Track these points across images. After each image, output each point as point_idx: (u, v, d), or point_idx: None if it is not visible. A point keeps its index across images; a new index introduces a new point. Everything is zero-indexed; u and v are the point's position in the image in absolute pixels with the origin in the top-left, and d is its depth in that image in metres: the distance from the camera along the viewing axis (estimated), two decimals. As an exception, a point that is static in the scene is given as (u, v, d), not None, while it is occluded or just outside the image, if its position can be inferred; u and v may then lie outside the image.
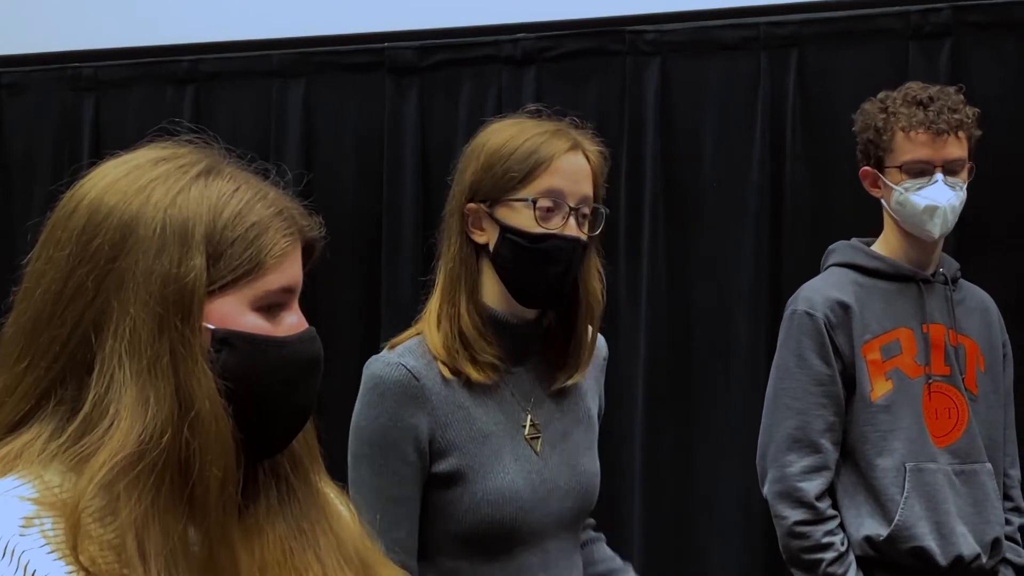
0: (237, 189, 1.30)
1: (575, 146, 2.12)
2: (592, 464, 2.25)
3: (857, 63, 3.74)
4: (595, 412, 2.31)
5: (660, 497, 3.81)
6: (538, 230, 2.08)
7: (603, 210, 2.15)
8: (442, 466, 2.08)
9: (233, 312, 1.28)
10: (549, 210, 2.09)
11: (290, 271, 1.32)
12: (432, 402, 2.07)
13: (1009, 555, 2.93)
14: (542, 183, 2.08)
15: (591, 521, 2.37)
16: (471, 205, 2.13)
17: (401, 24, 4.08)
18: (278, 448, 1.35)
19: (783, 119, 3.79)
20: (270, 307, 1.30)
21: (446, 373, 2.09)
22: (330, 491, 1.43)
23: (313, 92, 4.16)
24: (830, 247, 3.05)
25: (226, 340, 1.27)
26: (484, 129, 2.18)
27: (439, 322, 2.11)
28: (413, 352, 2.10)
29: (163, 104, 4.23)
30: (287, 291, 1.32)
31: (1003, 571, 2.92)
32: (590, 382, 2.29)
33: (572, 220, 2.10)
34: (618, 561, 2.38)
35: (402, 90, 4.07)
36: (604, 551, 2.38)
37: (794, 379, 2.86)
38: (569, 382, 2.20)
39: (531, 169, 2.08)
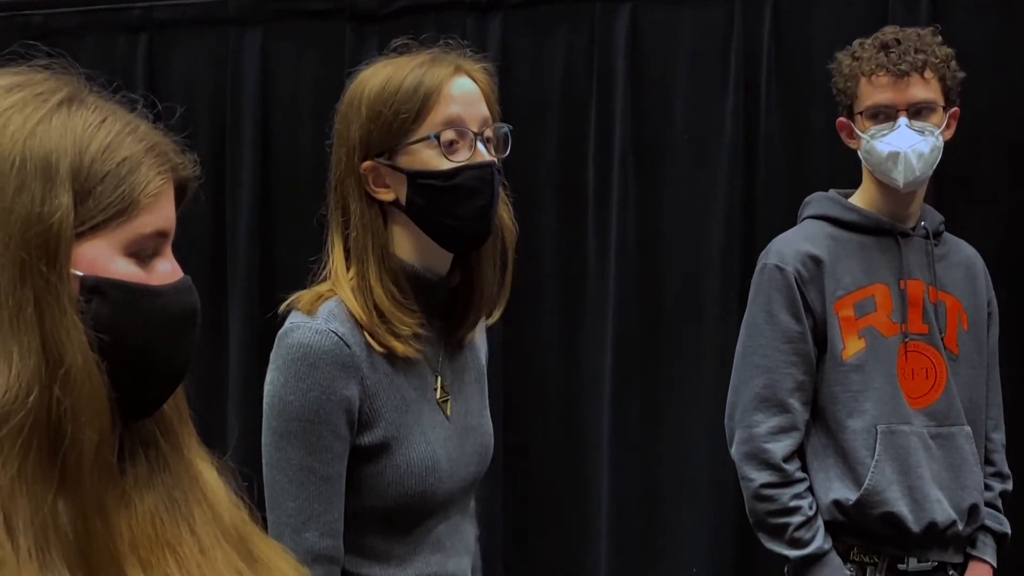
0: (104, 120, 1.17)
1: (458, 69, 1.97)
2: (488, 424, 2.13)
3: (834, 10, 3.63)
4: (485, 367, 2.19)
5: (629, 461, 3.73)
6: (449, 165, 1.93)
7: (506, 128, 2.01)
8: (367, 438, 1.93)
9: (103, 257, 1.15)
10: (454, 142, 1.93)
11: (164, 212, 1.19)
12: (363, 370, 1.92)
13: (988, 522, 2.83)
14: (438, 114, 1.92)
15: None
16: (366, 163, 1.96)
17: (362, -30, 3.95)
18: (151, 409, 1.23)
19: (757, 68, 3.67)
20: (142, 253, 1.18)
21: (370, 340, 1.93)
22: (200, 460, 1.30)
23: (270, 41, 4.02)
24: (807, 198, 2.94)
25: (97, 288, 1.14)
26: (353, 80, 2.01)
27: (353, 295, 1.94)
28: (337, 317, 1.93)
29: (115, 53, 4.12)
30: (161, 235, 1.19)
31: (982, 538, 2.82)
32: (479, 337, 2.17)
33: (480, 146, 1.95)
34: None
35: (362, 39, 3.94)
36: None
37: (763, 336, 2.75)
38: (470, 334, 2.08)
39: (422, 104, 1.92)
